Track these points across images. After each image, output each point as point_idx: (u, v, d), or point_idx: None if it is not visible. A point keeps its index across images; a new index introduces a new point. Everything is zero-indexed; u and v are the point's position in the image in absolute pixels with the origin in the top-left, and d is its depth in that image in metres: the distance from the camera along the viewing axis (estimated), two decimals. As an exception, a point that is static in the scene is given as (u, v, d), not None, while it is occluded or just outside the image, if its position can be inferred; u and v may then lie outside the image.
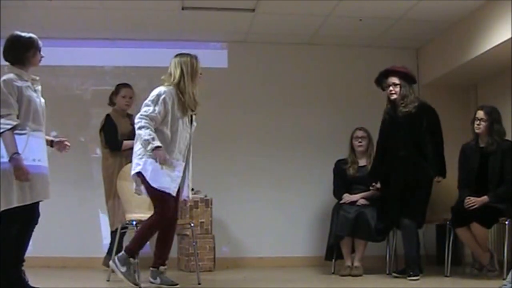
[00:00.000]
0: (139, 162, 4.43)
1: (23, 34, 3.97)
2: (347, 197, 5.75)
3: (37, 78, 4.05)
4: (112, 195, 5.49)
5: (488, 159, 5.23)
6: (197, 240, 5.49)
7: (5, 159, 3.74)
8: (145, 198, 4.63)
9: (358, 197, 5.70)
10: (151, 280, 4.59)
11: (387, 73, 5.42)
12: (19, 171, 3.73)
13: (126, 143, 5.44)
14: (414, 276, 5.10)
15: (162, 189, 4.38)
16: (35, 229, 3.99)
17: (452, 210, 5.29)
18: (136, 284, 4.38)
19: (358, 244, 5.57)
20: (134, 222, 4.81)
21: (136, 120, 4.43)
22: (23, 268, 3.94)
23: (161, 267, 4.60)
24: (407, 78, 5.40)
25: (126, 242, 5.01)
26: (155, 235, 4.65)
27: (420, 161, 5.25)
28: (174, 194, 4.45)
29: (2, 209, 3.74)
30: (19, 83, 3.86)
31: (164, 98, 4.43)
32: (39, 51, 4.00)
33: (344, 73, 6.84)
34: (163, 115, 4.43)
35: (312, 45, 6.79)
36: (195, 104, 4.56)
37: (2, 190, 3.74)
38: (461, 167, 5.40)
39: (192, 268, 5.53)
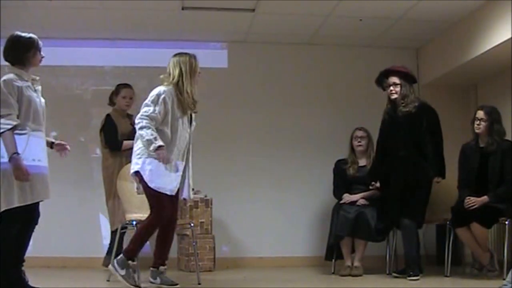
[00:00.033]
0: (138, 161, 4.43)
1: (23, 34, 3.97)
2: (347, 197, 5.75)
3: (37, 78, 4.05)
4: (112, 195, 5.49)
5: (488, 159, 5.23)
6: (197, 240, 5.49)
7: (6, 159, 3.74)
8: (145, 198, 4.63)
9: (358, 197, 5.70)
10: (151, 280, 4.60)
11: (387, 73, 5.43)
12: (18, 171, 3.73)
13: (126, 143, 5.44)
14: (414, 276, 5.10)
15: (159, 190, 4.38)
16: (35, 229, 4.00)
17: (452, 210, 5.30)
18: (136, 286, 4.39)
19: (358, 244, 5.57)
20: (134, 222, 4.81)
21: (136, 121, 4.44)
22: (23, 268, 3.94)
23: (161, 267, 4.60)
24: (408, 78, 5.40)
25: (126, 242, 5.02)
26: (155, 235, 4.65)
27: (420, 161, 5.25)
28: (173, 193, 4.46)
29: (3, 209, 3.74)
30: (19, 83, 3.86)
31: (164, 98, 4.43)
32: (39, 51, 4.00)
33: (344, 73, 6.84)
34: (163, 115, 4.43)
35: (312, 45, 6.79)
36: (194, 103, 4.56)
37: (3, 190, 3.75)
38: (461, 167, 5.40)
39: (192, 268, 5.53)
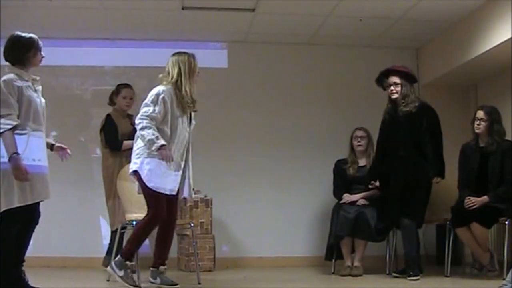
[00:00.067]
0: (137, 161, 4.44)
1: (23, 34, 3.97)
2: (347, 197, 5.75)
3: (38, 78, 4.05)
4: (112, 195, 5.49)
5: (488, 159, 5.23)
6: (197, 240, 5.50)
7: (6, 159, 3.74)
8: (145, 198, 4.64)
9: (358, 197, 5.70)
10: (151, 280, 4.60)
11: (388, 73, 5.43)
12: (18, 171, 3.73)
13: (126, 143, 5.43)
14: (414, 276, 5.10)
15: (158, 190, 4.39)
16: (35, 229, 3.99)
17: (452, 210, 5.30)
18: (135, 286, 4.39)
19: (358, 244, 5.57)
20: (134, 222, 4.80)
21: (137, 121, 4.44)
22: (23, 268, 3.94)
23: (161, 267, 4.60)
24: (408, 78, 5.40)
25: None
26: (155, 235, 4.66)
27: (420, 161, 5.25)
28: (173, 193, 4.47)
29: (3, 209, 3.74)
30: (20, 83, 3.86)
31: (163, 98, 4.44)
32: (40, 51, 4.00)
33: (344, 73, 6.84)
34: (163, 114, 4.43)
35: (312, 45, 6.79)
36: (193, 102, 4.56)
37: (3, 190, 3.75)
38: (461, 167, 5.40)
39: (192, 268, 5.53)
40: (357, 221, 5.52)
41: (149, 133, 4.34)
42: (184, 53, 4.62)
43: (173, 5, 5.68)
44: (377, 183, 5.54)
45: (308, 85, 6.79)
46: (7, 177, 3.74)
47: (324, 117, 6.76)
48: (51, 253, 6.02)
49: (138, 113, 4.48)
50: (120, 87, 5.80)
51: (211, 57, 6.62)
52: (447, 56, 6.30)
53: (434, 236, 6.38)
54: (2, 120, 3.75)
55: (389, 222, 5.43)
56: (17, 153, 3.74)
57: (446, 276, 5.25)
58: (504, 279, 4.11)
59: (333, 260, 5.67)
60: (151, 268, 4.62)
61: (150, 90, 4.56)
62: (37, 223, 3.99)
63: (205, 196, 6.04)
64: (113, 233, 5.48)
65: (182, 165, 4.55)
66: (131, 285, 4.36)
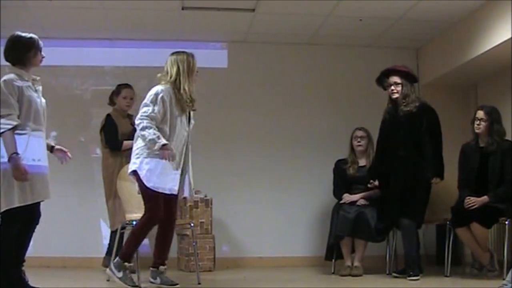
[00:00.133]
0: (136, 161, 4.44)
1: (23, 34, 3.97)
2: (347, 197, 5.75)
3: (38, 78, 4.05)
4: (112, 195, 5.49)
5: (488, 159, 5.23)
6: (197, 240, 5.50)
7: (6, 159, 3.75)
8: (145, 198, 4.63)
9: (358, 197, 5.70)
10: (151, 280, 4.61)
11: (388, 72, 5.43)
12: (17, 171, 3.73)
13: (126, 143, 5.43)
14: (414, 276, 5.10)
15: (157, 189, 4.39)
16: (35, 229, 3.99)
17: (452, 210, 5.30)
18: (135, 286, 4.39)
19: (358, 244, 5.57)
20: (134, 222, 4.80)
21: (137, 121, 4.44)
22: (23, 268, 3.94)
23: (161, 267, 4.60)
24: (409, 77, 5.40)
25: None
26: (155, 235, 4.66)
27: (420, 161, 5.25)
28: (173, 192, 4.47)
29: (4, 209, 3.74)
30: (20, 83, 3.86)
31: (162, 97, 4.44)
32: (40, 51, 4.01)
33: (344, 73, 6.84)
34: (162, 114, 4.44)
35: (312, 45, 6.79)
36: (192, 102, 4.56)
37: (3, 190, 3.75)
38: (461, 167, 5.41)
39: (192, 268, 5.53)
40: (357, 221, 5.52)
41: (150, 133, 4.34)
42: (183, 52, 4.62)
43: (173, 5, 5.68)
44: (376, 183, 5.54)
45: (308, 85, 6.79)
46: (7, 177, 3.75)
47: (324, 117, 6.75)
48: (51, 253, 6.01)
49: (137, 113, 4.49)
50: (120, 87, 5.80)
51: (211, 57, 6.62)
52: (447, 56, 6.30)
53: (434, 236, 6.38)
54: (2, 120, 3.75)
55: (389, 222, 5.43)
56: (17, 153, 3.74)
57: (446, 276, 5.25)
58: (504, 279, 4.11)
59: (333, 260, 5.67)
60: (151, 268, 4.62)
61: (150, 90, 4.56)
62: (37, 223, 3.99)
63: (205, 196, 6.04)
64: (113, 233, 5.48)
65: (181, 164, 4.55)
66: (130, 285, 4.36)
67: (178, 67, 4.53)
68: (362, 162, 5.87)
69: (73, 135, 6.44)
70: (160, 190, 4.40)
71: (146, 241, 5.61)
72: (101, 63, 6.65)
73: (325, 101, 6.80)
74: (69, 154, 4.24)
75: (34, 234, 4.00)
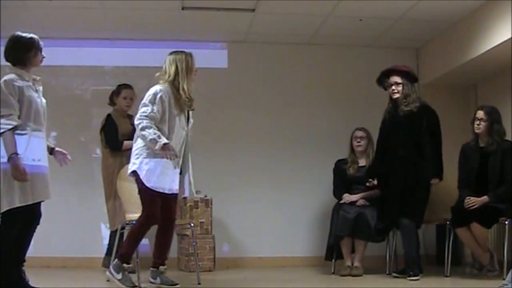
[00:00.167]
0: (135, 161, 4.45)
1: (24, 34, 3.97)
2: (347, 197, 5.75)
3: (38, 78, 4.06)
4: (112, 195, 5.48)
5: (488, 159, 5.23)
6: (197, 240, 5.50)
7: (6, 159, 3.75)
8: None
9: (358, 197, 5.70)
10: (151, 280, 4.61)
11: (389, 72, 5.43)
12: (16, 171, 3.73)
13: (126, 143, 5.43)
14: (414, 276, 5.10)
15: (157, 189, 4.39)
16: (36, 229, 3.99)
17: (452, 210, 5.30)
18: (134, 286, 4.39)
19: (358, 244, 5.57)
20: (134, 222, 4.81)
21: (136, 122, 4.43)
22: (23, 268, 3.94)
23: (161, 267, 4.61)
24: (409, 77, 5.40)
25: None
26: (154, 236, 4.66)
27: (420, 161, 5.25)
28: (173, 192, 4.48)
29: (5, 209, 3.74)
30: (20, 83, 3.86)
31: (160, 97, 4.44)
32: (40, 51, 4.01)
33: (344, 73, 6.84)
34: (161, 113, 4.44)
35: (312, 45, 6.79)
36: (190, 101, 4.56)
37: (4, 190, 3.75)
38: (461, 167, 5.41)
39: (192, 268, 5.53)
40: (357, 221, 5.52)
41: (150, 133, 4.34)
42: (181, 52, 4.62)
43: (173, 5, 5.68)
44: (375, 182, 5.54)
45: (308, 85, 6.79)
46: (7, 177, 3.75)
47: (324, 117, 6.75)
48: (51, 253, 6.01)
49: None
50: (121, 87, 5.80)
51: (211, 57, 6.62)
52: (447, 56, 6.30)
53: (434, 236, 6.38)
54: (3, 120, 3.75)
55: (389, 222, 5.42)
56: (17, 154, 3.74)
57: (446, 276, 5.25)
58: (504, 279, 4.11)
59: (333, 260, 5.67)
60: (151, 268, 4.63)
61: (149, 90, 4.56)
62: (38, 223, 3.99)
63: (205, 196, 6.04)
64: (112, 233, 5.48)
65: (180, 163, 4.55)
66: (129, 286, 4.36)
67: (177, 67, 4.53)
68: (362, 162, 5.87)
69: (73, 135, 6.44)
70: (160, 190, 4.40)
71: (146, 241, 5.64)
72: (101, 63, 6.65)
73: (325, 101, 6.80)
74: (68, 157, 4.23)
75: (34, 234, 4.00)
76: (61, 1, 5.49)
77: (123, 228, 5.14)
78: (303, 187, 6.62)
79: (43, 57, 4.04)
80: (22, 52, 3.93)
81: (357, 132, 5.92)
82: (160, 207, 4.45)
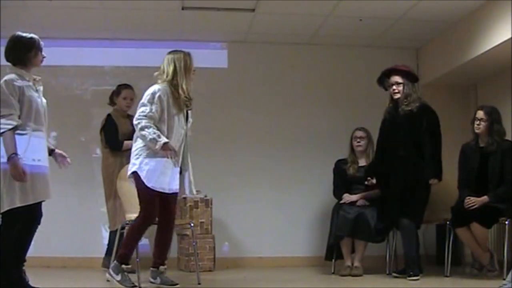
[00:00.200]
0: (135, 162, 4.45)
1: (24, 34, 3.97)
2: (347, 197, 5.75)
3: (39, 78, 4.06)
4: (112, 195, 5.49)
5: (488, 159, 5.23)
6: (197, 240, 5.50)
7: (6, 159, 3.75)
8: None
9: (358, 197, 5.70)
10: (151, 280, 4.61)
11: (389, 72, 5.43)
12: (15, 171, 3.73)
13: (126, 143, 5.43)
14: (414, 276, 5.10)
15: (157, 189, 4.39)
16: (36, 229, 3.99)
17: (452, 210, 5.30)
18: (134, 287, 4.39)
19: (358, 245, 5.57)
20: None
21: (135, 122, 4.43)
22: (23, 268, 3.94)
23: (161, 267, 4.61)
24: (410, 77, 5.40)
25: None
26: (154, 236, 4.66)
27: (420, 161, 5.25)
28: (173, 191, 4.48)
29: (5, 209, 3.74)
30: (20, 83, 3.86)
31: (159, 96, 4.44)
32: (41, 51, 4.01)
33: (344, 73, 6.84)
34: (160, 113, 4.44)
35: (312, 45, 6.79)
36: (189, 100, 4.57)
37: (4, 190, 3.75)
38: (461, 167, 5.41)
39: (192, 268, 5.53)
40: (357, 222, 5.52)
41: (150, 132, 4.34)
42: (180, 51, 4.62)
43: (173, 5, 5.68)
44: (374, 180, 5.53)
45: (308, 85, 6.79)
46: (8, 177, 3.75)
47: (324, 117, 6.75)
48: (51, 253, 6.01)
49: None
50: (121, 88, 5.80)
51: (211, 57, 6.63)
52: (447, 56, 6.30)
53: (434, 236, 6.38)
54: (3, 120, 3.75)
55: (389, 222, 5.42)
56: (16, 154, 3.74)
57: (446, 276, 5.25)
58: (504, 279, 4.11)
59: (333, 260, 5.67)
60: (151, 268, 4.63)
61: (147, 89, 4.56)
62: (39, 223, 3.99)
63: (205, 196, 6.04)
64: (112, 233, 5.48)
65: (179, 162, 4.55)
66: (128, 286, 4.36)
67: (175, 66, 4.53)
68: (362, 162, 5.87)
69: (73, 135, 6.44)
70: (161, 190, 4.40)
71: (146, 241, 5.64)
72: (101, 63, 6.65)
73: (325, 101, 6.80)
74: (68, 160, 4.23)
75: (34, 234, 3.99)
76: (61, 1, 5.49)
77: (123, 228, 5.14)
78: (303, 187, 6.62)
79: (44, 57, 4.04)
80: (23, 52, 3.93)
81: (357, 132, 5.92)
82: (158, 207, 4.45)
